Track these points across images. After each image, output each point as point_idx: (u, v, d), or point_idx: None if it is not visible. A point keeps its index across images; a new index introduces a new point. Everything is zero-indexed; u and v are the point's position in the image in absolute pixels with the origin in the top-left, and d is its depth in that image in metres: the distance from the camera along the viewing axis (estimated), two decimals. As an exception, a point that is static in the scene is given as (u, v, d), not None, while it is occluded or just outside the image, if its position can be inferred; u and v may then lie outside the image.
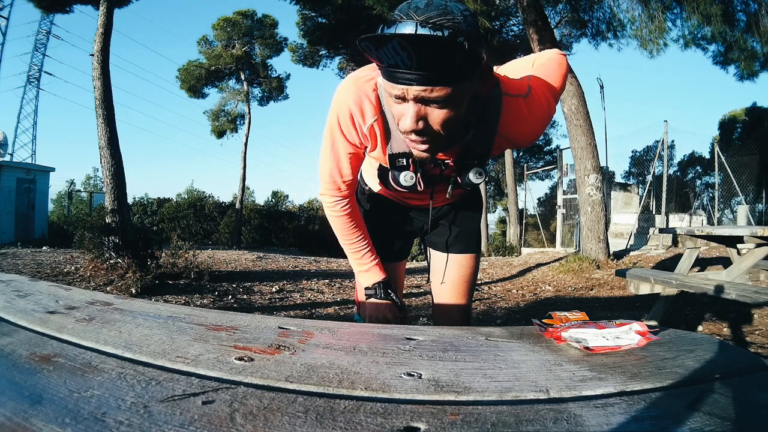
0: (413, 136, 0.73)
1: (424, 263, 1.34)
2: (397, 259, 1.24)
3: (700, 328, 2.88)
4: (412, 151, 0.83)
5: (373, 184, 1.12)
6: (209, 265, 5.28)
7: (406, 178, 0.87)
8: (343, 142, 0.88)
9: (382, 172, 0.93)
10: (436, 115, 0.70)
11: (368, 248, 1.04)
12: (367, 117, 0.83)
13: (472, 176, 0.88)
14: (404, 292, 4.09)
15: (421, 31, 0.63)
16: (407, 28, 0.64)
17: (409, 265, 6.38)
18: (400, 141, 0.84)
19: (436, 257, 1.23)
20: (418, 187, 0.88)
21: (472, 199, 1.21)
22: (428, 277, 1.26)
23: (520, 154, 17.78)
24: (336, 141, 0.88)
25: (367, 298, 1.06)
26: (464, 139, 0.82)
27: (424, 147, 0.75)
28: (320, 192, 0.99)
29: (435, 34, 0.63)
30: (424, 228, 1.19)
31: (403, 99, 0.69)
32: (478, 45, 0.68)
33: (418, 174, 0.87)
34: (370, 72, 0.83)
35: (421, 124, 0.70)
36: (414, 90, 0.66)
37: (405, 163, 0.86)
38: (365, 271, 1.05)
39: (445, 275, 1.20)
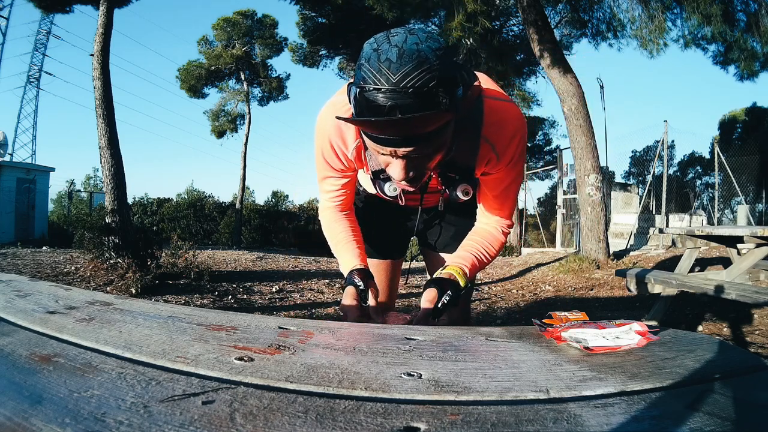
0: (404, 183, 0.75)
1: (423, 263, 1.34)
2: (392, 258, 1.24)
3: (700, 328, 2.88)
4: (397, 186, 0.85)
5: (367, 185, 1.13)
6: (209, 265, 5.27)
7: (390, 189, 0.90)
8: (329, 169, 0.94)
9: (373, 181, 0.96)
10: (426, 160, 0.72)
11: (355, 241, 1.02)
12: (349, 142, 0.87)
13: (459, 194, 0.90)
14: (404, 292, 4.11)
15: (402, 102, 0.61)
16: (388, 101, 0.61)
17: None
18: (378, 160, 0.86)
19: (433, 257, 1.22)
20: (400, 202, 0.92)
21: (468, 200, 1.21)
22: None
23: (520, 154, 17.72)
24: (324, 166, 0.94)
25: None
26: (446, 158, 0.82)
27: (412, 188, 0.78)
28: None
29: (418, 102, 0.61)
30: (417, 228, 1.19)
31: (391, 155, 0.70)
32: (456, 84, 0.67)
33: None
34: (345, 97, 0.83)
35: (411, 174, 0.72)
36: (402, 150, 0.68)
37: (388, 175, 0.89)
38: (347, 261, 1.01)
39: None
